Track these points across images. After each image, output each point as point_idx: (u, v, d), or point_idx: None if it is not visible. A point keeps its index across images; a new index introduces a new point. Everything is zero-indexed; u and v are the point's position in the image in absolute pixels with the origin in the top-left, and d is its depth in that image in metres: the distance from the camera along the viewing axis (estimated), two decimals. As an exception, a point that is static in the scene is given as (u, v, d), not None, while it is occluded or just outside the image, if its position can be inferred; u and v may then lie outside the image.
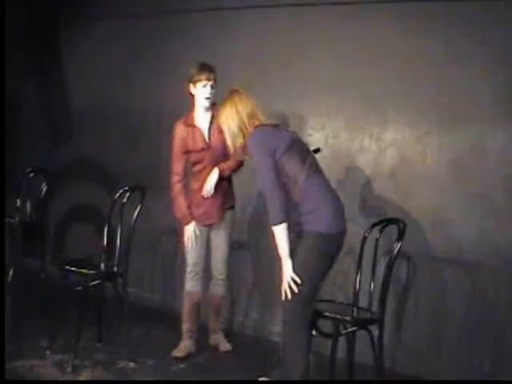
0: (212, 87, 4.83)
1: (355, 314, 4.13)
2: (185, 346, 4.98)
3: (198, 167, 4.94)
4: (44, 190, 5.47)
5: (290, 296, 3.84)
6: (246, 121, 4.01)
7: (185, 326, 5.00)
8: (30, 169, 5.58)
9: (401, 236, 4.12)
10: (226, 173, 4.93)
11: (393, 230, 4.20)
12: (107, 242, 4.80)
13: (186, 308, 4.98)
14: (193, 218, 4.92)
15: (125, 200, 4.74)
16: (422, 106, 4.86)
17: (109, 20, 6.58)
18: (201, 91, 4.84)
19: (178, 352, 4.95)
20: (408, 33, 4.90)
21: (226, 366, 4.92)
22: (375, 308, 4.15)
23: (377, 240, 4.22)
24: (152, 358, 4.91)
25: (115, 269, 4.80)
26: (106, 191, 6.17)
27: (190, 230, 4.91)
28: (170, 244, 6.16)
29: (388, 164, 5.00)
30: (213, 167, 4.90)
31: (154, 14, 6.27)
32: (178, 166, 4.92)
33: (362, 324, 4.09)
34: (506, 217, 4.52)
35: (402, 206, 4.86)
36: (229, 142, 4.08)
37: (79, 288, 4.61)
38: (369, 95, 5.05)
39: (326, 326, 4.15)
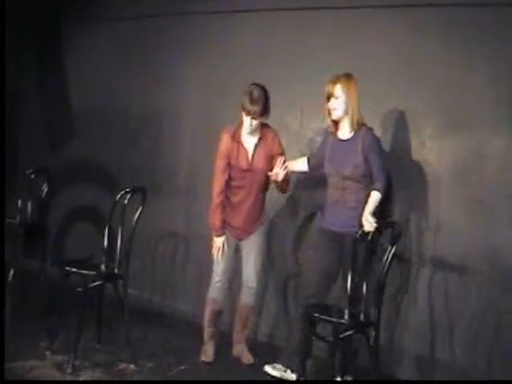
0: (255, 119, 4.72)
1: (352, 317, 4.12)
2: (211, 350, 5.00)
3: (236, 182, 4.84)
4: (45, 190, 5.49)
5: None
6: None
7: (208, 332, 5.00)
8: (30, 170, 5.58)
9: (396, 239, 4.12)
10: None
11: (389, 233, 4.20)
12: (108, 244, 4.81)
13: (208, 314, 4.97)
14: (224, 232, 4.87)
15: (126, 201, 4.75)
16: (424, 111, 4.86)
17: (109, 21, 6.59)
18: (244, 119, 4.77)
19: (208, 357, 4.98)
20: (411, 38, 4.90)
21: (227, 368, 4.93)
22: (371, 311, 4.16)
23: (372, 243, 4.21)
24: (152, 360, 4.91)
25: (116, 270, 4.80)
26: (107, 192, 6.18)
27: (219, 243, 4.86)
28: (170, 246, 6.16)
29: (390, 168, 5.00)
30: (251, 189, 4.83)
31: (154, 16, 6.27)
32: (220, 178, 4.81)
33: (360, 327, 4.10)
34: (507, 222, 4.52)
35: (403, 211, 4.86)
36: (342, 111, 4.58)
37: (79, 289, 4.61)
38: (371, 99, 5.05)
39: (324, 329, 4.15)
